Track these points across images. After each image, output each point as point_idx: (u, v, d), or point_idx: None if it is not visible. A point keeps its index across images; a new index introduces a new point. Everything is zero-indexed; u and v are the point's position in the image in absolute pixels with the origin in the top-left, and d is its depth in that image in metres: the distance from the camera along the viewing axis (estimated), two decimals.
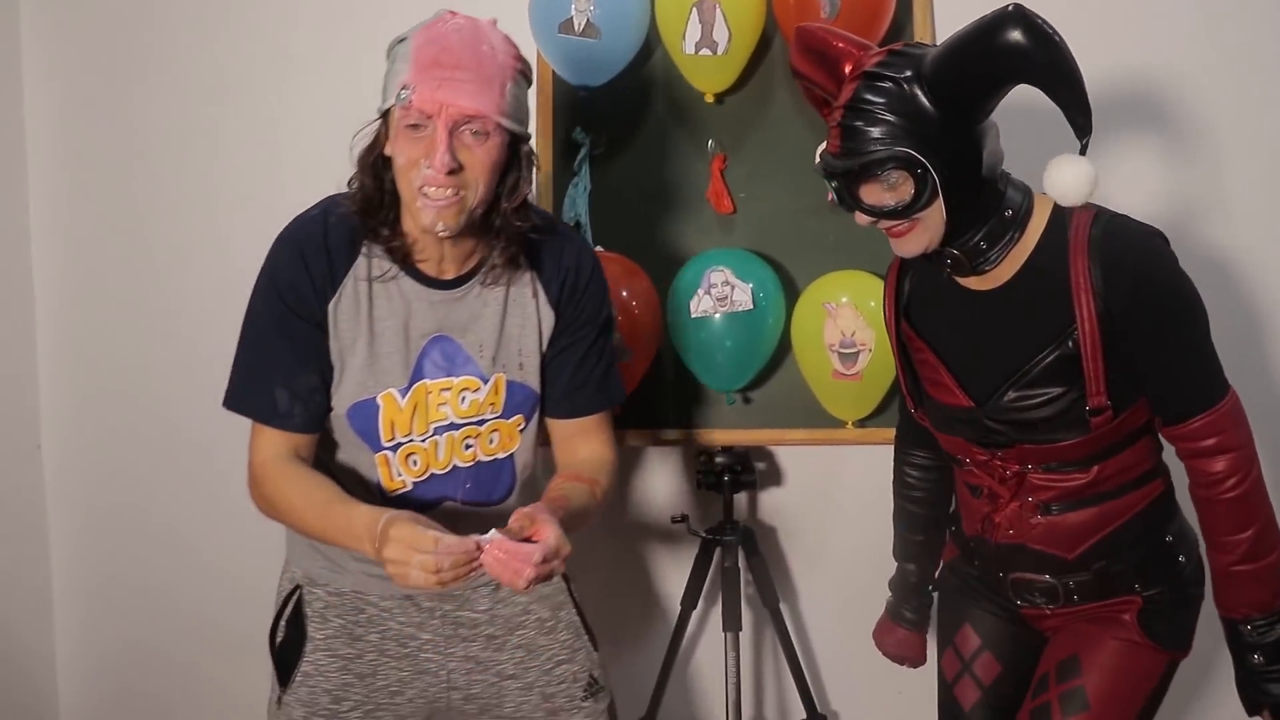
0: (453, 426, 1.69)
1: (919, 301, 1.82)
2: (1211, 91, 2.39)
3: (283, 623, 1.79)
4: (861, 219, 1.62)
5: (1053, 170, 1.60)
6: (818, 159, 1.64)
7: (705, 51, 2.25)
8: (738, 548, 2.35)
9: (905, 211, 1.57)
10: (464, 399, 1.69)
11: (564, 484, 1.67)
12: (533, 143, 1.65)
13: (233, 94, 2.58)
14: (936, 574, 2.00)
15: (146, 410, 2.68)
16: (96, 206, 2.65)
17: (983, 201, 1.60)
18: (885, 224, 1.61)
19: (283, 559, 1.84)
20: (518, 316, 1.71)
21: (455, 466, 1.72)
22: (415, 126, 1.51)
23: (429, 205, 1.53)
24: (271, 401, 1.62)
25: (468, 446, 1.71)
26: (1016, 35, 1.47)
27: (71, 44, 2.61)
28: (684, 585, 2.40)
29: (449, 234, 1.57)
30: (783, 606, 2.42)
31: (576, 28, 2.22)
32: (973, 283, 1.69)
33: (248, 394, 1.65)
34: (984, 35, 1.49)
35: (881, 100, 1.54)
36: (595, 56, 2.24)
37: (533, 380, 1.73)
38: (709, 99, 2.34)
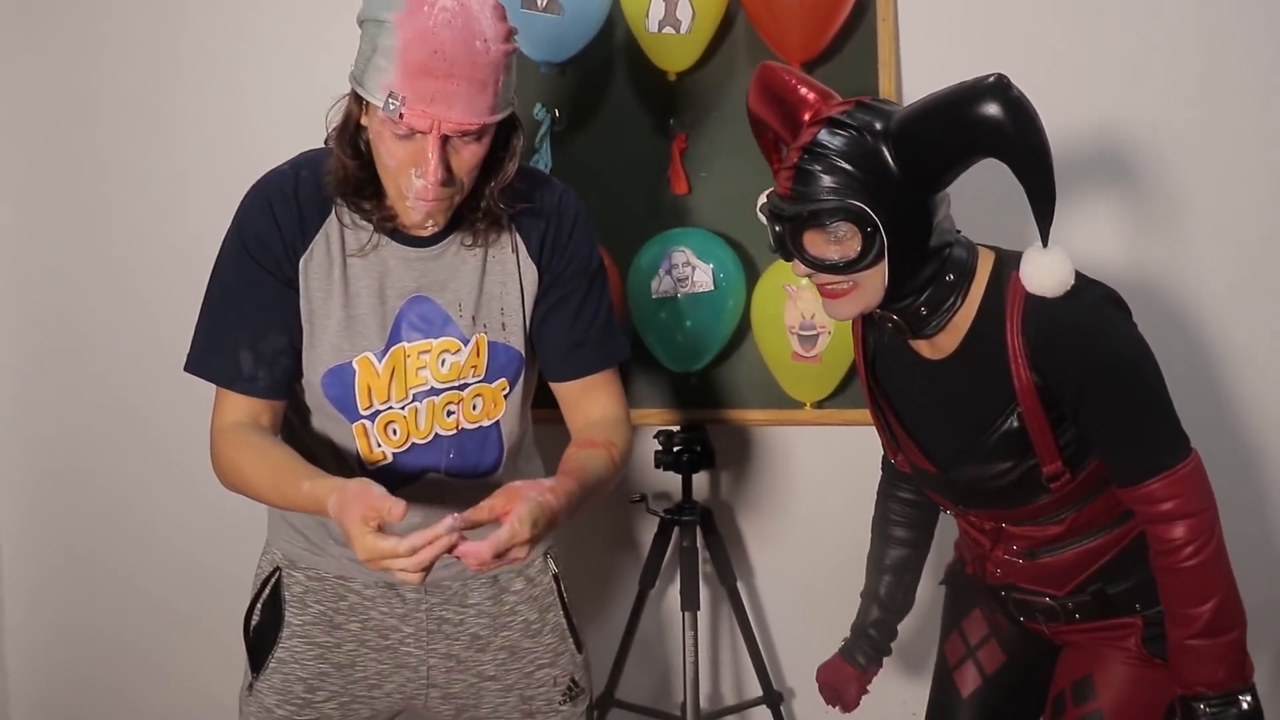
0: (433, 392, 1.60)
1: (882, 361, 1.75)
2: (1173, 147, 2.38)
3: (259, 605, 1.71)
4: (799, 269, 1.55)
5: (1027, 266, 1.52)
6: (763, 199, 1.58)
7: (668, 29, 2.24)
8: (696, 527, 2.35)
9: (847, 268, 1.49)
10: (444, 362, 1.60)
11: (579, 453, 1.58)
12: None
13: (189, 63, 2.54)
14: (897, 626, 1.95)
15: (97, 377, 2.62)
16: (46, 178, 2.60)
17: (922, 272, 1.53)
18: (822, 280, 1.54)
19: (249, 537, 1.79)
20: (498, 273, 1.61)
21: (437, 435, 1.63)
22: (403, 137, 1.42)
23: (419, 207, 1.46)
24: (235, 364, 1.54)
25: (449, 413, 1.62)
26: (996, 109, 1.40)
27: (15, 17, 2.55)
28: (642, 564, 2.40)
29: (438, 229, 1.52)
30: (740, 585, 2.42)
31: (539, 3, 2.20)
32: (924, 350, 1.64)
33: (209, 356, 1.56)
34: (962, 102, 1.43)
35: (843, 148, 1.47)
36: (558, 33, 2.22)
37: (516, 341, 1.63)
38: (671, 77, 2.33)
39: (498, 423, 1.66)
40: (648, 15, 2.24)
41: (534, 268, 1.63)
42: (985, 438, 1.58)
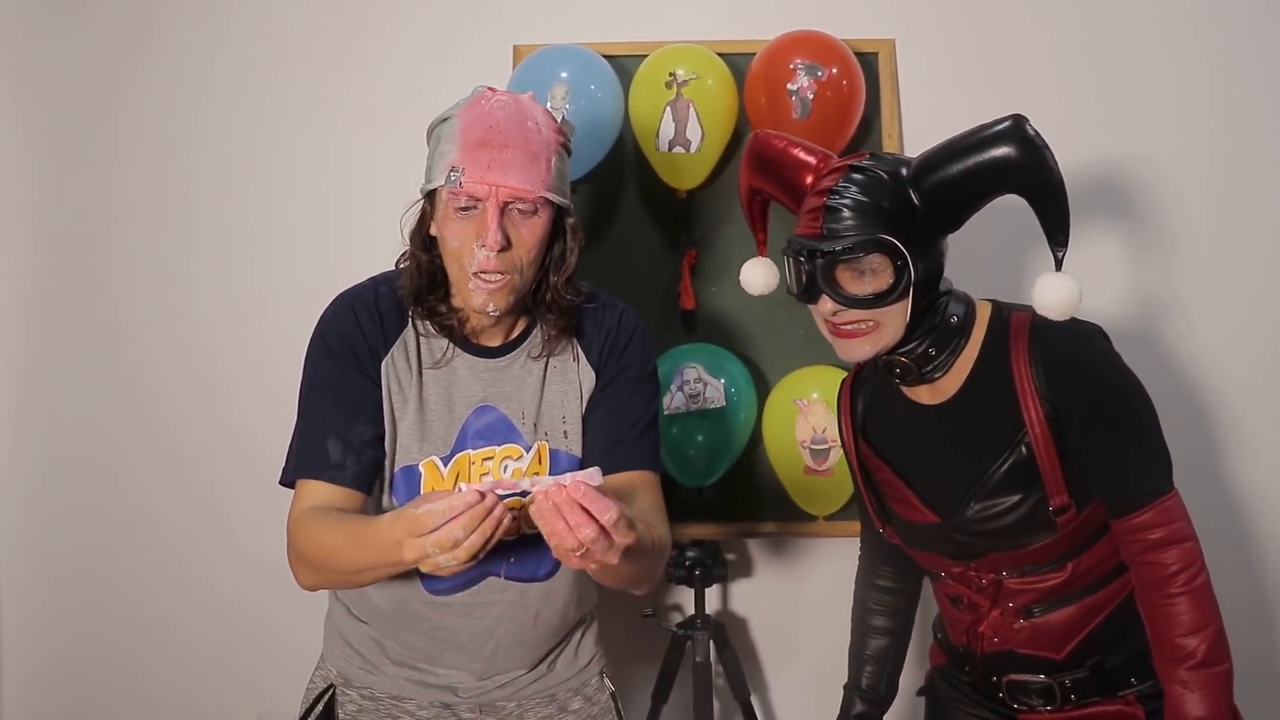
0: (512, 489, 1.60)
1: (874, 420, 1.77)
2: (1174, 188, 2.44)
3: None
4: (826, 306, 1.57)
5: (1039, 289, 1.55)
6: (786, 244, 1.61)
7: (678, 149, 2.27)
8: (709, 641, 2.32)
9: (877, 300, 1.53)
10: (506, 468, 1.62)
11: None
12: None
13: (207, 176, 2.57)
14: (884, 708, 1.90)
15: (109, 486, 2.62)
16: (59, 283, 2.61)
17: (934, 310, 1.59)
18: (845, 319, 1.57)
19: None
20: (559, 382, 1.65)
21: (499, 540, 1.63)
22: (464, 208, 1.50)
23: (481, 288, 1.52)
24: (323, 453, 1.54)
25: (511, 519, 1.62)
26: (1014, 149, 1.48)
27: (32, 120, 2.59)
28: (655, 679, 2.36)
29: (499, 314, 1.55)
30: (754, 699, 2.39)
31: None
32: (923, 396, 1.67)
33: (300, 457, 1.57)
34: (983, 144, 1.50)
35: (870, 186, 1.53)
36: None
37: (577, 448, 1.65)
38: (681, 195, 2.36)
39: None
40: (658, 135, 2.28)
41: (592, 374, 1.66)
42: (992, 472, 1.59)
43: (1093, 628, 1.65)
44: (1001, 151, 1.49)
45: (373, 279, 1.66)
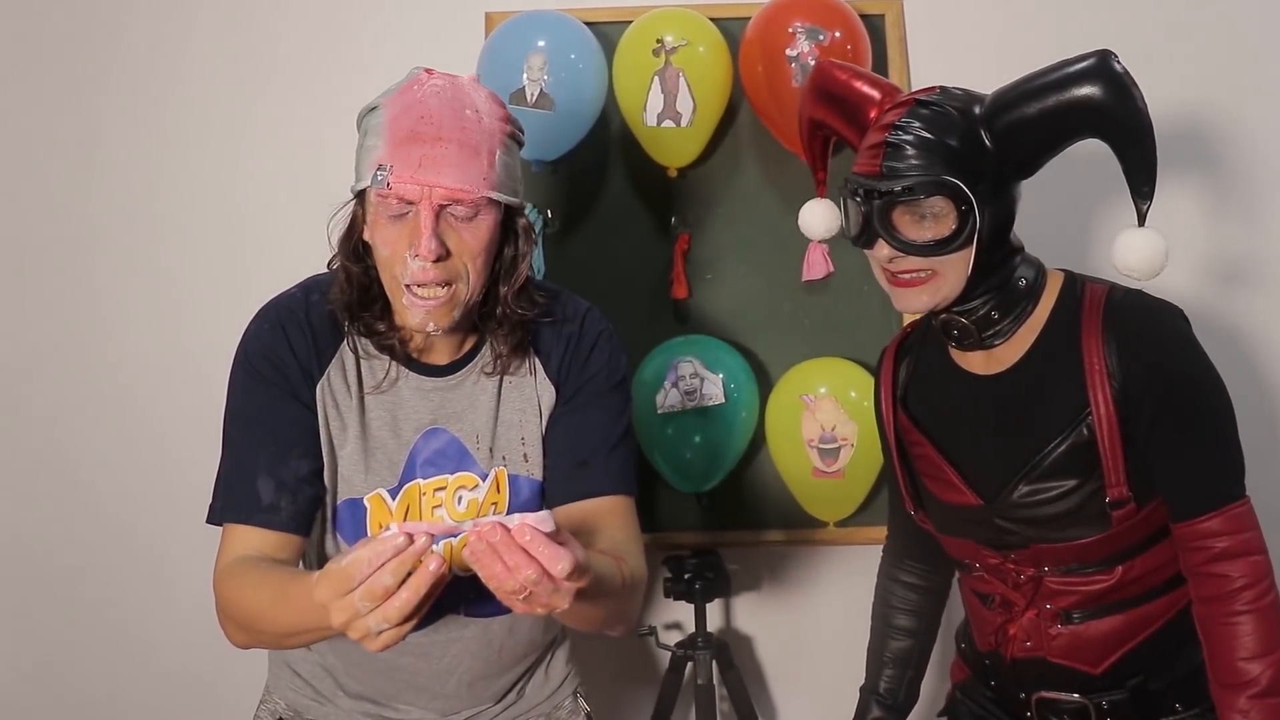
0: (451, 533, 1.46)
1: (917, 389, 1.68)
2: (1256, 139, 2.30)
3: None
4: (882, 251, 1.48)
5: (1121, 246, 1.47)
6: (843, 183, 1.52)
7: (668, 123, 2.16)
8: (711, 661, 2.21)
9: (939, 247, 1.44)
10: (460, 499, 1.48)
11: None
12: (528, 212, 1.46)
13: (187, 173, 2.46)
14: (903, 714, 1.81)
15: (82, 483, 2.48)
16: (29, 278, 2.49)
17: (1001, 269, 1.51)
18: (902, 267, 1.48)
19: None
20: (516, 400, 1.50)
21: (456, 576, 1.44)
22: (397, 214, 1.33)
23: (416, 304, 1.35)
24: (253, 494, 1.39)
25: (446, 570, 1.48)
26: (1099, 89, 1.40)
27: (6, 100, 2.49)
28: (653, 704, 2.25)
29: (441, 332, 1.39)
30: None
31: (529, 98, 2.10)
32: (977, 366, 1.58)
33: (227, 498, 1.41)
34: (1064, 82, 1.42)
35: (936, 123, 1.45)
36: (549, 129, 2.12)
37: (539, 473, 1.52)
38: (671, 173, 2.26)
39: None
40: (645, 109, 2.16)
41: (551, 388, 1.52)
42: (1047, 453, 1.50)
43: (1137, 643, 1.55)
44: (1085, 91, 1.40)
45: (303, 285, 1.50)
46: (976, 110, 1.46)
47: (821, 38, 2.11)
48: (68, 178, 2.45)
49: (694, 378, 2.14)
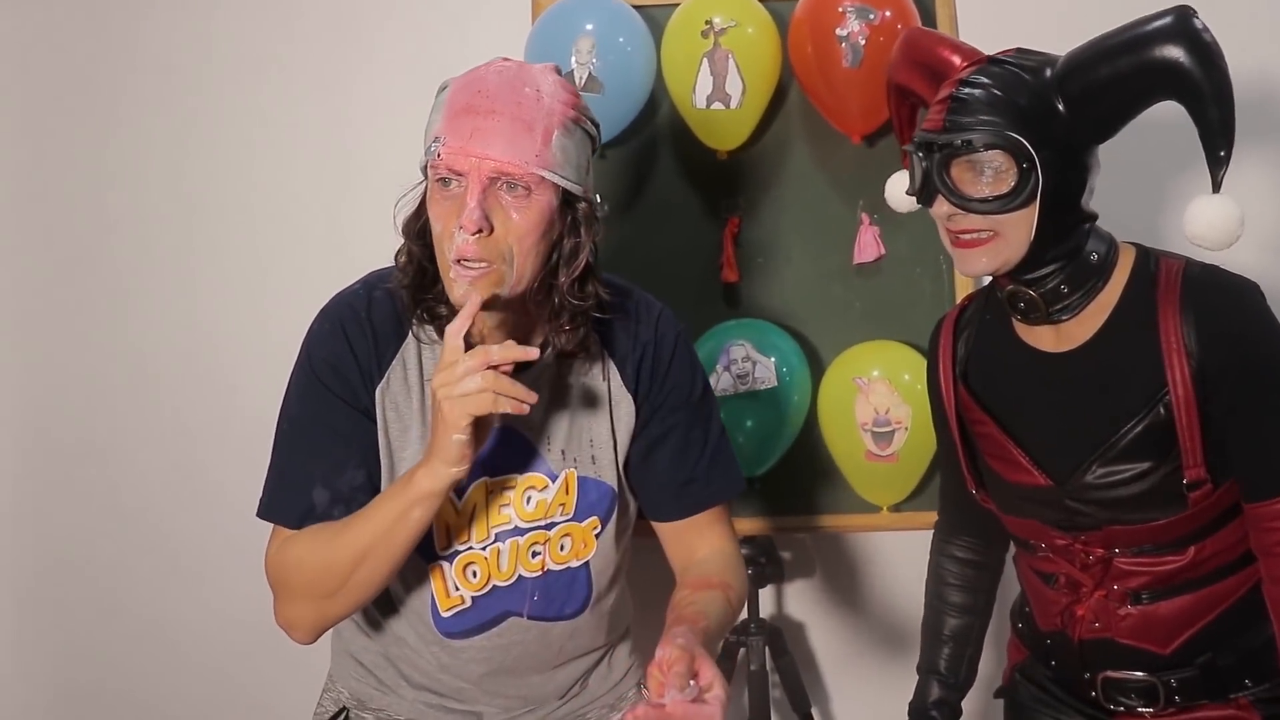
0: (517, 531, 1.47)
1: (978, 364, 1.63)
2: None
3: None
4: (942, 208, 1.45)
5: (1194, 214, 1.42)
6: (912, 142, 1.50)
7: (717, 105, 2.12)
8: (764, 648, 2.19)
9: (997, 202, 1.41)
10: (529, 499, 1.47)
11: (695, 596, 1.45)
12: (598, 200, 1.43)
13: (200, 165, 2.46)
14: (960, 704, 1.77)
15: (107, 481, 2.50)
16: (57, 275, 2.50)
17: (1069, 238, 1.46)
18: (962, 226, 1.45)
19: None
20: (587, 403, 1.49)
21: (520, 577, 1.48)
22: (445, 181, 1.32)
23: (462, 275, 1.32)
24: (308, 502, 1.39)
25: (534, 554, 1.48)
26: (1180, 50, 1.35)
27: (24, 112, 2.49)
28: None
29: (482, 307, 1.36)
30: (815, 711, 2.26)
31: (578, 82, 2.08)
32: (1045, 342, 1.53)
33: (280, 499, 1.42)
34: (1142, 42, 1.37)
35: (1007, 81, 1.42)
36: (598, 113, 2.04)
37: (608, 475, 1.50)
38: (721, 156, 2.22)
39: (587, 563, 1.52)
40: (694, 91, 2.13)
41: (630, 400, 1.50)
42: (1123, 434, 1.46)
43: (1207, 622, 1.52)
44: (1164, 51, 1.36)
45: (365, 281, 1.49)
46: (1048, 73, 1.42)
47: (872, 16, 2.07)
48: (87, 181, 2.46)
49: (746, 361, 2.11)
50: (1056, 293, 1.47)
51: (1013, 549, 1.69)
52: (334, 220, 2.38)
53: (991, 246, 1.44)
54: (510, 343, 1.30)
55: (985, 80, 1.42)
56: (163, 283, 2.46)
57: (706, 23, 2.11)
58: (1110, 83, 1.40)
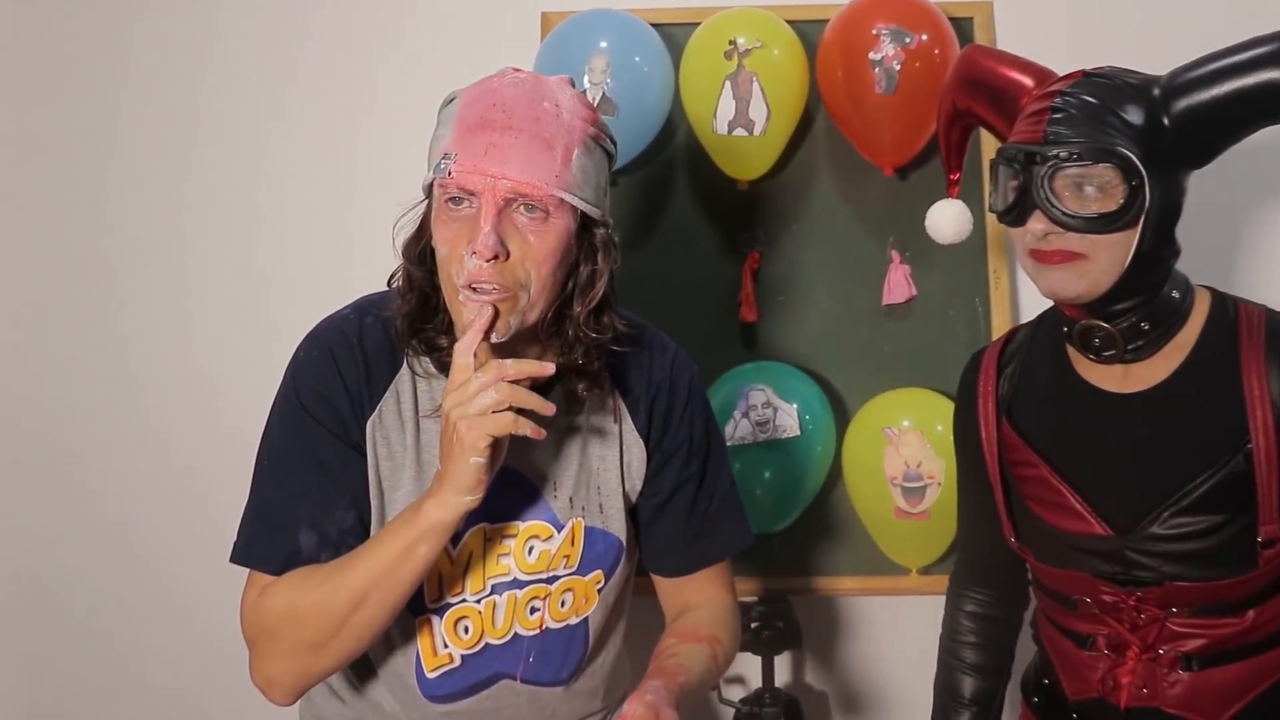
0: (516, 584, 1.38)
1: (1026, 402, 1.56)
2: None
3: None
4: (1037, 225, 1.37)
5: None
6: (995, 155, 1.44)
7: (739, 131, 2.03)
8: None
9: (1102, 223, 1.34)
10: (531, 549, 1.38)
11: (680, 648, 1.40)
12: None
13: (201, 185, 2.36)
14: None
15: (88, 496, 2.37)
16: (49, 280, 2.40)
17: (1158, 270, 1.41)
18: (1055, 248, 1.37)
19: None
20: (597, 446, 1.41)
21: (516, 634, 1.40)
22: (455, 201, 1.23)
23: (472, 300, 1.23)
24: (293, 546, 1.29)
25: (533, 610, 1.39)
26: None
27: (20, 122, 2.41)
28: None
29: (498, 339, 1.27)
30: None
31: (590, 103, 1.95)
32: (1111, 383, 1.47)
33: (262, 542, 1.31)
34: (1249, 67, 1.35)
35: (1111, 93, 1.36)
36: None
37: (616, 526, 1.43)
38: (742, 186, 2.14)
39: (586, 619, 1.45)
40: (715, 116, 2.03)
41: (642, 446, 1.44)
42: (1199, 484, 1.41)
43: (1259, 693, 1.46)
44: (1273, 74, 1.33)
45: (356, 306, 1.40)
46: (1155, 91, 1.37)
47: (908, 40, 1.98)
48: (86, 186, 2.37)
49: (766, 407, 2.00)
50: (1136, 329, 1.41)
51: (1031, 609, 1.64)
52: (335, 238, 2.31)
53: (1079, 267, 1.37)
54: (526, 359, 1.23)
55: (1089, 92, 1.37)
56: (155, 293, 2.37)
57: (730, 43, 2.03)
58: (1221, 104, 1.36)
